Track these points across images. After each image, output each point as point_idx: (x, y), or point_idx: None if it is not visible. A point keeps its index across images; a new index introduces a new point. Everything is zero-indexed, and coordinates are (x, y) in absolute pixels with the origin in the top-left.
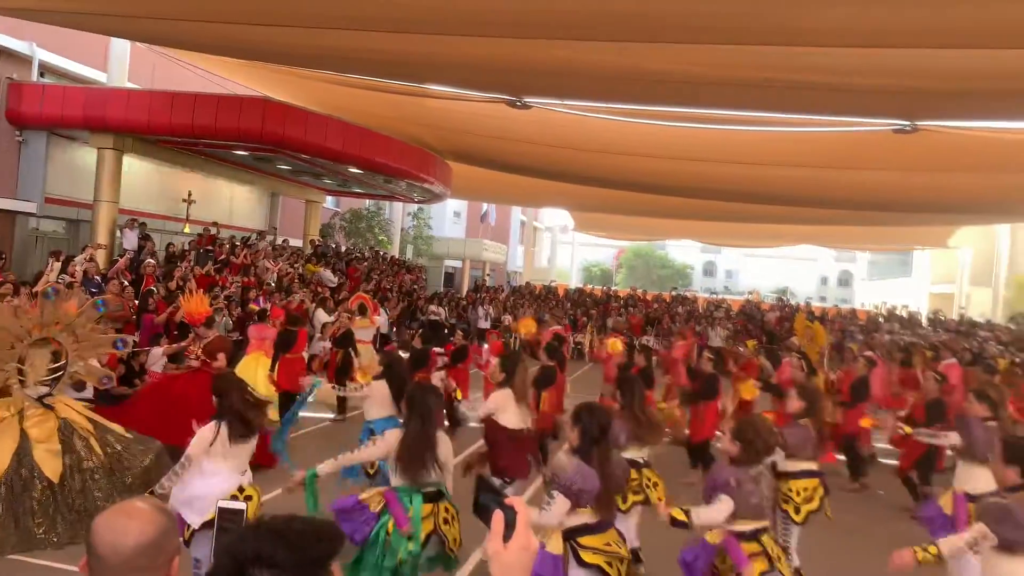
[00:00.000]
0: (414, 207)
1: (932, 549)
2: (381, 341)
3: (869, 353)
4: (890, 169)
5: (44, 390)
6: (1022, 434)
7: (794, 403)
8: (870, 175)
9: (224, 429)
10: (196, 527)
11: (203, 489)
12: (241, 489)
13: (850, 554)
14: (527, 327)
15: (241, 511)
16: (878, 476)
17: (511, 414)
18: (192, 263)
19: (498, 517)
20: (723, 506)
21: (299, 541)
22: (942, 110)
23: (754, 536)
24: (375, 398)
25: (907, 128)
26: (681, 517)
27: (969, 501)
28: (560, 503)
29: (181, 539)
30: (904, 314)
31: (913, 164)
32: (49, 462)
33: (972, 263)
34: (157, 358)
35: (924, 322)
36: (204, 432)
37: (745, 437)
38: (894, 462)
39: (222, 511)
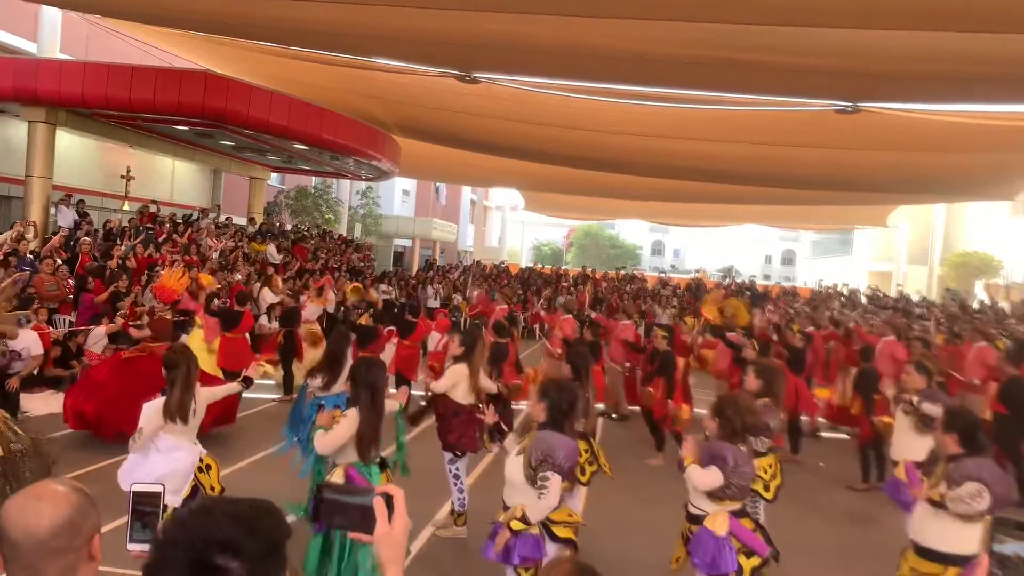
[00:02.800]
0: (363, 185)
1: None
2: (328, 320)
3: (810, 329)
4: (831, 148)
5: None
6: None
7: (752, 382)
8: (812, 153)
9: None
10: (178, 506)
11: (169, 466)
12: (200, 459)
13: (794, 523)
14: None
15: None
16: (822, 449)
17: (461, 390)
18: (133, 241)
19: (379, 503)
20: (712, 477)
21: (259, 523)
22: (883, 92)
23: (745, 514)
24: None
25: (848, 109)
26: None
27: (917, 468)
28: (556, 483)
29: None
30: (845, 291)
31: (854, 144)
32: None
33: (909, 242)
34: (98, 338)
35: (863, 300)
36: (156, 404)
37: (724, 414)
38: (836, 436)
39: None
